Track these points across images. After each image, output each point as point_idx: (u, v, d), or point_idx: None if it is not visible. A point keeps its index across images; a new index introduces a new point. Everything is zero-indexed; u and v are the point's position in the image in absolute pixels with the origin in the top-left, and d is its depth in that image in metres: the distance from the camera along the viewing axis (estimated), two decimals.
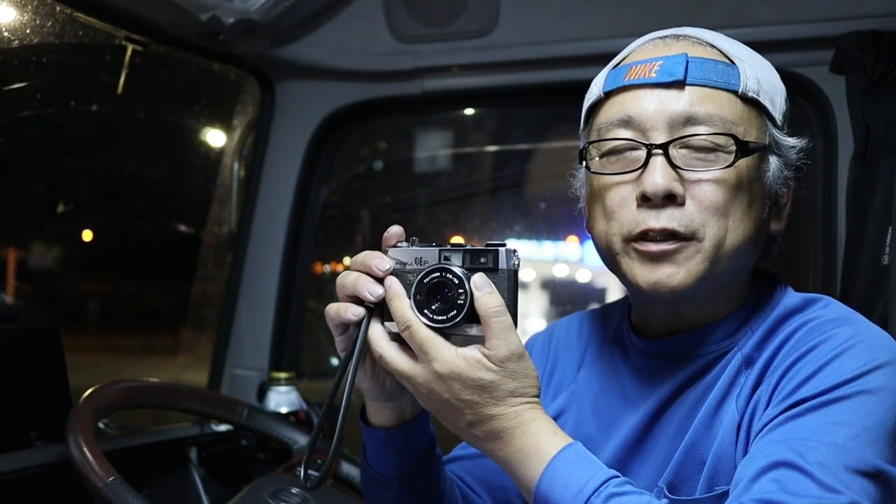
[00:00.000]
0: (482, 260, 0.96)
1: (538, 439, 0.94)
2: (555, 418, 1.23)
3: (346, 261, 2.88)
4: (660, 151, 1.02)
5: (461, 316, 0.94)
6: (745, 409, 1.01)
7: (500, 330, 0.93)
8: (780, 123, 1.08)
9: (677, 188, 1.01)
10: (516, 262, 0.96)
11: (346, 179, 2.73)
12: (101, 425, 1.70)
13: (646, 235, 1.02)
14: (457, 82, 2.10)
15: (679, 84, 1.03)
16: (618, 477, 0.91)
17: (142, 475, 1.71)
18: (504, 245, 0.95)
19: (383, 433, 1.09)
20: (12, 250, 2.16)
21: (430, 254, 0.97)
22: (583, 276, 3.70)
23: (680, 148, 1.02)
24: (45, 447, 1.50)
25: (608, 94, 1.09)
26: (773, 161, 1.07)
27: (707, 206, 1.01)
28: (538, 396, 0.97)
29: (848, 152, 1.66)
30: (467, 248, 0.96)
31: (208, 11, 1.82)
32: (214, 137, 2.46)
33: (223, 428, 1.91)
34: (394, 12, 2.01)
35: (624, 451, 1.11)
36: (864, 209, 1.59)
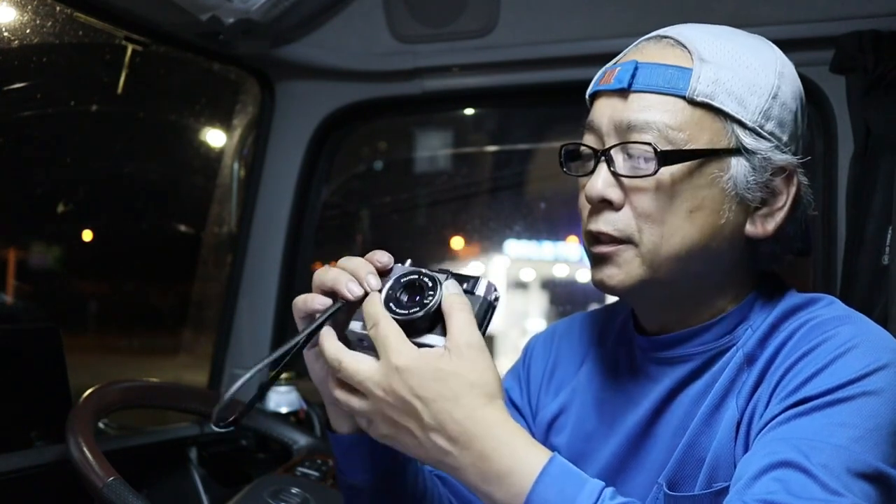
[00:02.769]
0: (464, 286, 0.95)
1: (514, 453, 0.87)
2: (556, 416, 1.23)
3: None
4: (602, 158, 1.04)
5: (423, 313, 0.91)
6: (745, 408, 1.01)
7: (462, 322, 0.90)
8: (753, 125, 1.03)
9: (613, 194, 1.03)
10: (495, 297, 0.95)
11: (346, 179, 2.73)
12: (101, 425, 1.71)
13: (593, 237, 1.06)
14: (457, 82, 2.10)
15: (625, 91, 1.04)
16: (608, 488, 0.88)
17: (142, 475, 1.71)
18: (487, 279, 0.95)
19: (347, 440, 1.05)
20: (12, 250, 2.16)
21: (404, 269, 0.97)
22: (583, 276, 3.71)
23: (624, 154, 1.04)
24: (45, 447, 1.50)
25: (590, 97, 1.12)
26: (738, 164, 1.03)
27: (640, 212, 1.03)
28: (500, 398, 0.91)
29: (848, 152, 1.66)
30: (451, 271, 0.96)
31: (208, 11, 1.82)
32: (214, 137, 2.46)
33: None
34: (394, 12, 2.01)
35: (626, 447, 1.11)
36: (864, 209, 1.60)
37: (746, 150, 1.03)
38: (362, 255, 1.00)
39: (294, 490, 1.55)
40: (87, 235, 2.36)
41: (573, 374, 1.25)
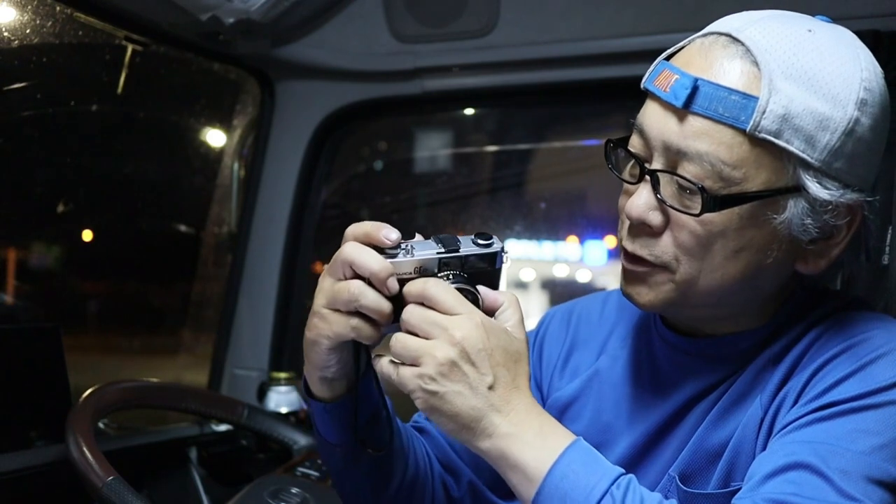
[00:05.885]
0: (486, 265, 0.98)
1: (543, 428, 0.91)
2: (570, 402, 1.19)
3: None
4: (648, 178, 0.98)
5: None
6: (769, 406, 0.98)
7: (515, 318, 0.96)
8: (819, 164, 0.92)
9: (654, 219, 0.97)
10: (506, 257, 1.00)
11: (346, 179, 2.73)
12: (101, 425, 1.71)
13: (627, 253, 1.02)
14: (457, 82, 2.10)
15: (681, 110, 0.94)
16: (625, 474, 0.90)
17: (142, 475, 1.71)
18: (500, 246, 0.99)
19: (329, 406, 1.04)
20: (12, 250, 2.16)
21: (431, 262, 0.96)
22: (583, 276, 3.70)
23: (672, 182, 0.96)
24: (45, 447, 1.50)
25: (645, 89, 1.03)
26: (795, 205, 0.94)
27: (679, 244, 0.97)
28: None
29: None
30: (462, 254, 0.97)
31: (208, 11, 1.82)
32: (214, 137, 2.46)
33: (223, 428, 1.91)
34: (394, 12, 2.01)
35: (644, 442, 1.09)
36: None
37: (807, 191, 0.94)
38: None
39: (294, 490, 1.55)
40: (87, 235, 2.36)
41: (591, 360, 1.21)
